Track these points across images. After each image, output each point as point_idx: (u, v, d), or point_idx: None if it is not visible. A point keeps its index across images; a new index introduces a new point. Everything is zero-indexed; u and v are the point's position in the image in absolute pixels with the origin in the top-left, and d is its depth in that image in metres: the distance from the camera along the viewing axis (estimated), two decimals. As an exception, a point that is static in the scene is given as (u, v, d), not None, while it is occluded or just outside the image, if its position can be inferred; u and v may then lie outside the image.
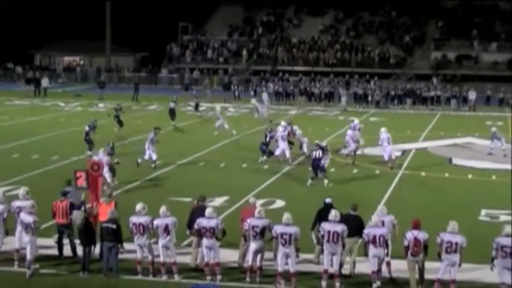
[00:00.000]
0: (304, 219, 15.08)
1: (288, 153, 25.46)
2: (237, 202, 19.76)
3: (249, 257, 14.04)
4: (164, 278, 14.02)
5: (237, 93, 48.81)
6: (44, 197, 16.53)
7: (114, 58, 68.70)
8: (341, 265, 13.82)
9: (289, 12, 69.13)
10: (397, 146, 27.34)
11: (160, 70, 63.31)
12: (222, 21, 68.30)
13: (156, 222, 14.03)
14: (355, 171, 24.81)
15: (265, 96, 43.39)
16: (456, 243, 12.97)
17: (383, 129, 25.77)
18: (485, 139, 30.24)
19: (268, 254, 14.03)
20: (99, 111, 40.72)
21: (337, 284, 13.50)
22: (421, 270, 13.47)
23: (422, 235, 13.29)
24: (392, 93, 47.10)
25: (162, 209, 14.18)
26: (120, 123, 32.77)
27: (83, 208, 15.18)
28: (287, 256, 13.50)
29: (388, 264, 14.02)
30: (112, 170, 21.37)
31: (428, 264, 13.53)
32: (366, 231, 13.69)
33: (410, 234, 13.30)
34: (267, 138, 26.21)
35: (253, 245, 13.90)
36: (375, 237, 13.46)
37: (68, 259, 15.00)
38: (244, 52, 62.90)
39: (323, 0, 67.74)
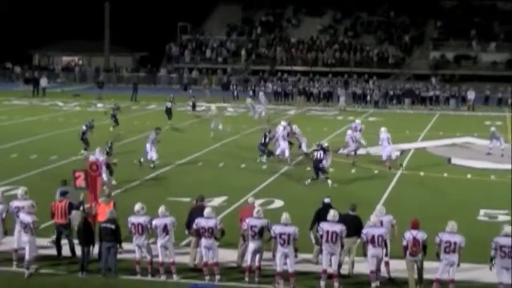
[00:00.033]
0: (303, 219, 15.08)
1: (287, 153, 25.45)
2: (235, 202, 19.75)
3: (248, 257, 14.03)
4: (163, 278, 14.01)
5: (235, 93, 48.75)
6: (43, 197, 16.49)
7: (112, 58, 68.73)
8: (340, 265, 13.81)
9: (288, 12, 69.13)
10: (396, 145, 27.32)
11: (159, 70, 63.27)
12: (221, 21, 68.26)
13: (154, 222, 14.02)
14: (353, 171, 24.80)
15: (262, 96, 43.08)
16: (455, 243, 12.98)
17: (383, 129, 25.76)
18: (484, 139, 30.21)
19: (267, 254, 14.00)
20: (97, 111, 40.66)
21: (336, 284, 13.49)
22: (420, 270, 13.46)
23: (421, 235, 13.29)
24: (391, 93, 47.08)
25: (161, 209, 14.17)
26: (116, 122, 32.76)
27: (81, 208, 15.18)
28: (286, 256, 13.49)
29: (387, 264, 14.02)
30: (110, 169, 21.34)
31: (427, 264, 13.52)
32: (364, 231, 13.69)
33: (409, 234, 13.30)
34: (266, 139, 26.18)
35: (251, 245, 13.89)
36: (373, 237, 13.46)
37: (67, 259, 14.99)
38: (243, 52, 62.87)
39: (322, 0, 67.73)
